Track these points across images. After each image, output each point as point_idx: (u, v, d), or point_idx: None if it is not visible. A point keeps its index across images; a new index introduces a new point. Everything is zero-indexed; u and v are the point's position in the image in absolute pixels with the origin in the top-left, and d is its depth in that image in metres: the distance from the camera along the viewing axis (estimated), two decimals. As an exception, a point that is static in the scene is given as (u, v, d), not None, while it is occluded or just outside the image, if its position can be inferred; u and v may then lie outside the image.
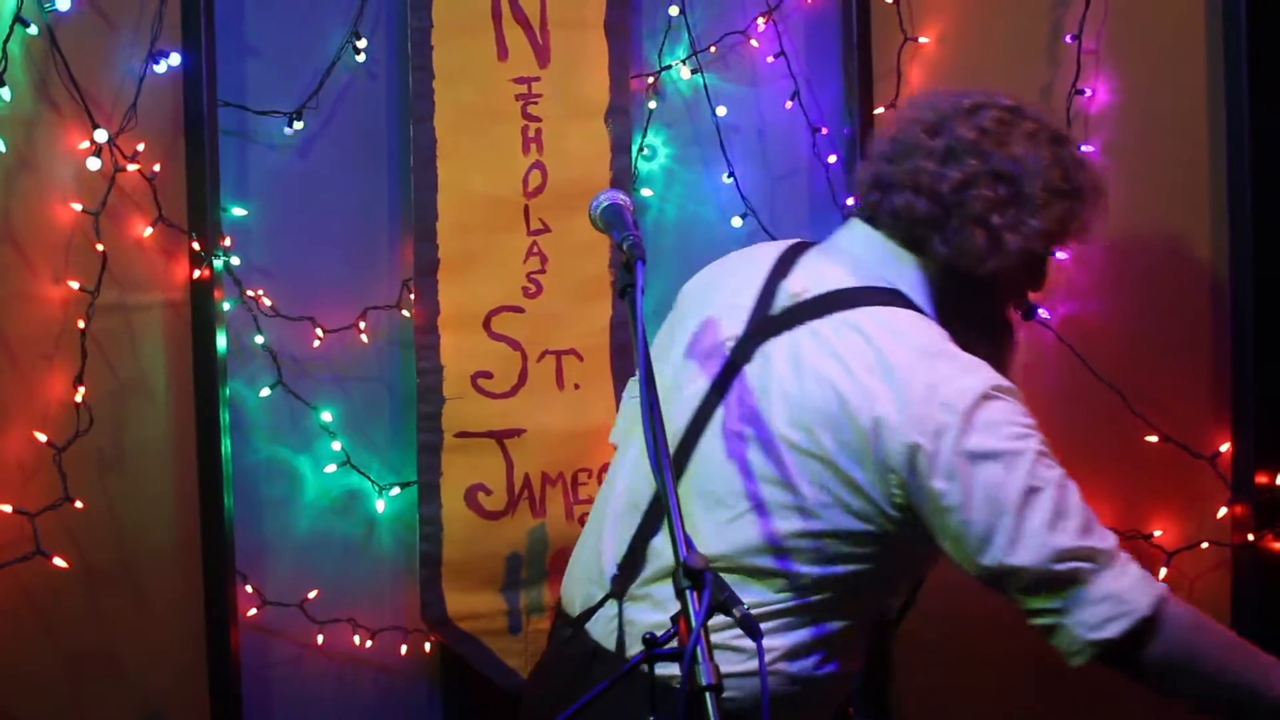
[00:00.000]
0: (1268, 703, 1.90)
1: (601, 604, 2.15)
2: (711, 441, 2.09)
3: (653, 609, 2.07)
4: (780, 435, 2.01)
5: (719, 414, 2.10)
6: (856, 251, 2.16)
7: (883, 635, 2.35)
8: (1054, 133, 2.14)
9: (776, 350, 2.07)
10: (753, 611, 1.94)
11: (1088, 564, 1.88)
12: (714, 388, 2.12)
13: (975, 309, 2.14)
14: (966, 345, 2.02)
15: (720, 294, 2.24)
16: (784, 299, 2.12)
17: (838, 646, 2.09)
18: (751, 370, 2.09)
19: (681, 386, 2.16)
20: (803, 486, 1.99)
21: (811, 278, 2.13)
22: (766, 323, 2.11)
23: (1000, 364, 2.06)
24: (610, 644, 2.11)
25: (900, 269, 2.12)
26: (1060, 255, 2.16)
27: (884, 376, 1.95)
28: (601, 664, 2.11)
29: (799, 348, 2.05)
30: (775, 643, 2.02)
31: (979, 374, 1.96)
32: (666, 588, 2.02)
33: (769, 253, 2.25)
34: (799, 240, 2.28)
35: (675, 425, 2.13)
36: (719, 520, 2.04)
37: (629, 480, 2.21)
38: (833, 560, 2.01)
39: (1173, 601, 1.90)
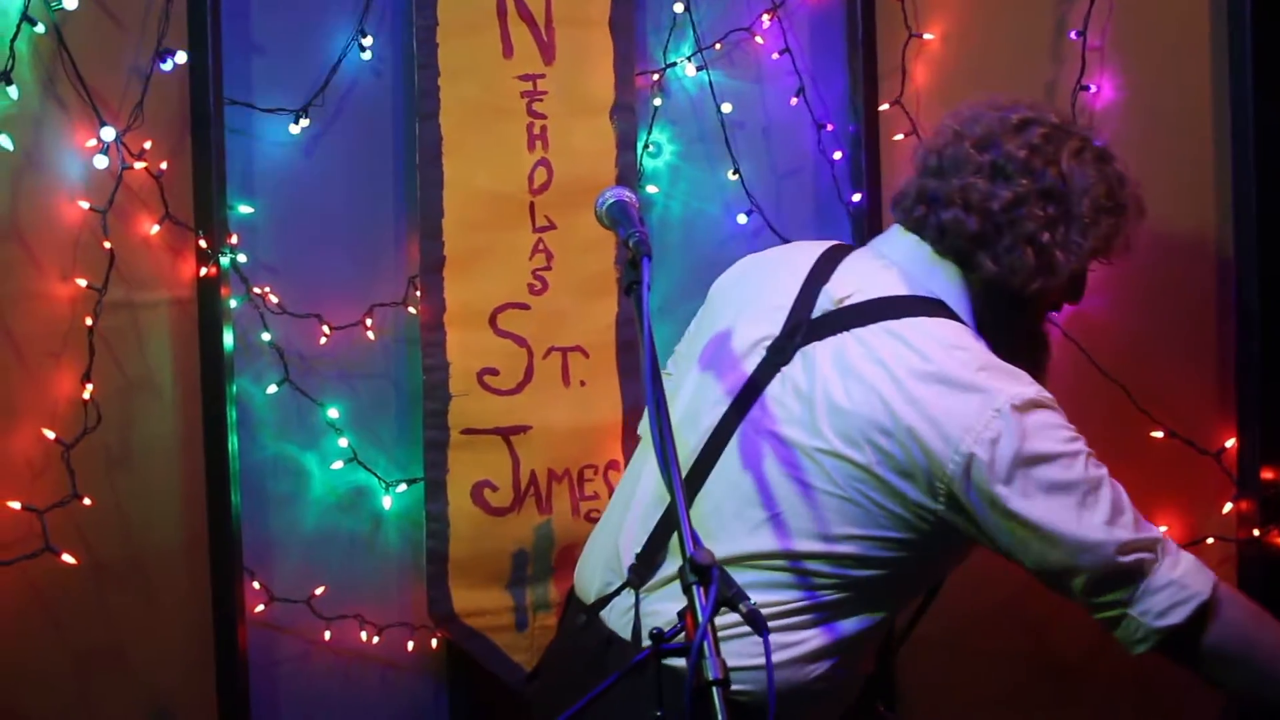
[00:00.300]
0: None
1: (618, 592, 2.16)
2: (745, 442, 2.09)
3: (673, 600, 2.05)
4: (824, 442, 2.02)
5: (753, 414, 2.10)
6: (901, 260, 2.16)
7: (891, 639, 2.35)
8: (1099, 150, 2.16)
9: (820, 355, 2.07)
10: (779, 610, 2.00)
11: (1148, 554, 1.94)
12: (748, 388, 2.12)
13: (1015, 322, 2.16)
14: (1006, 357, 2.05)
15: (756, 293, 2.24)
16: (826, 303, 2.13)
17: (857, 647, 2.11)
18: (790, 373, 2.09)
19: (713, 384, 2.16)
20: (843, 493, 2.01)
21: (855, 283, 2.14)
22: (806, 326, 2.11)
23: (1039, 375, 2.09)
24: (626, 634, 2.12)
25: (944, 281, 2.13)
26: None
27: (933, 386, 1.97)
28: (616, 653, 2.12)
29: (845, 353, 2.05)
30: (796, 638, 2.04)
31: (1026, 383, 2.00)
32: None
33: (807, 254, 2.25)
34: (837, 243, 2.28)
35: (705, 422, 2.14)
36: (751, 520, 2.05)
37: (658, 473, 2.16)
38: (862, 564, 2.03)
39: (1225, 586, 1.97)
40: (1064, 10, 2.95)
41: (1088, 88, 2.90)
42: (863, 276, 2.15)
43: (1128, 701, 2.94)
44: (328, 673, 3.15)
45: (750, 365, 2.13)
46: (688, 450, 2.14)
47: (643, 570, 2.13)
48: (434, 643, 3.20)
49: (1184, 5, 2.83)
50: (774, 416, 2.08)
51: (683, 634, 1.66)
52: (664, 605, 2.07)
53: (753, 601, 1.63)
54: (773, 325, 2.14)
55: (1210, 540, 2.82)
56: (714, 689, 1.54)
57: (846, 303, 2.10)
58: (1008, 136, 2.13)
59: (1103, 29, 2.90)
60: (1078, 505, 1.93)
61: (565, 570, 3.06)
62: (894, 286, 2.11)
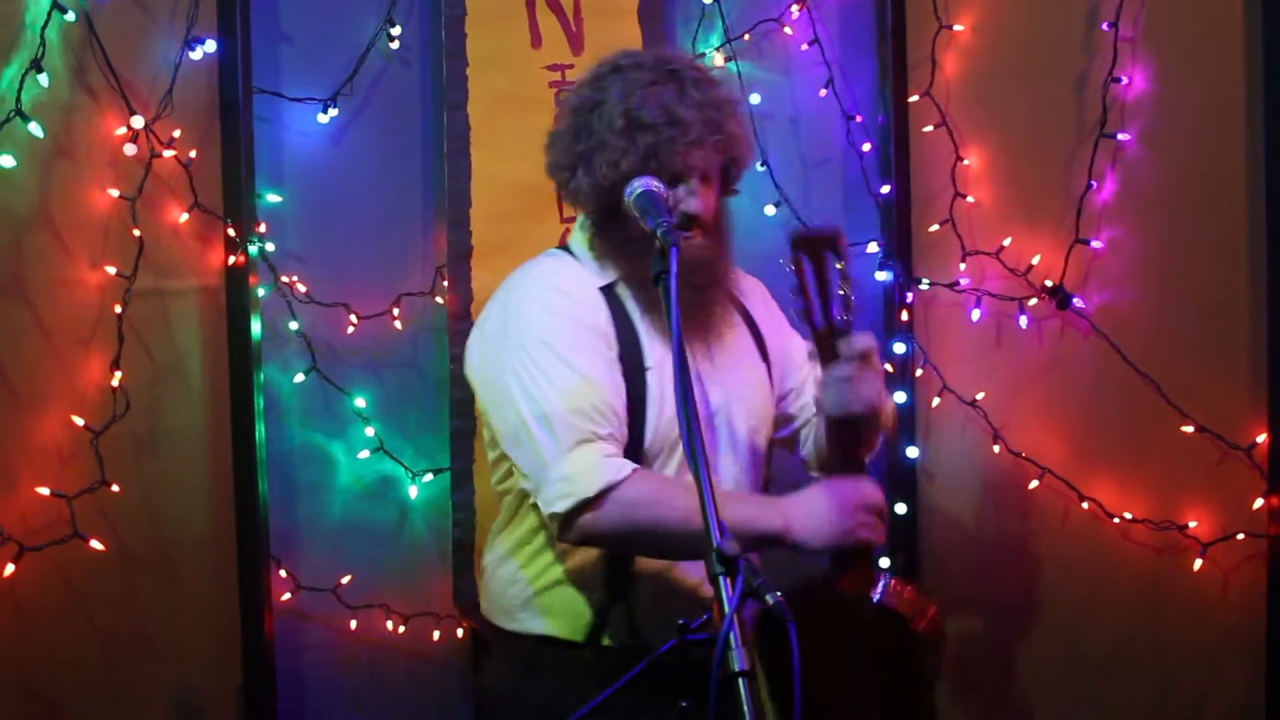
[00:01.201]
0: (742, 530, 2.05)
1: None
2: None
3: None
4: None
5: None
6: None
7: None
8: (641, 76, 2.27)
9: None
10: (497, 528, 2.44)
11: (552, 445, 2.13)
12: None
13: (604, 230, 2.31)
14: (626, 258, 2.26)
15: None
16: None
17: (531, 544, 2.34)
18: None
19: None
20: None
21: None
22: None
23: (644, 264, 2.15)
24: None
25: (577, 229, 2.41)
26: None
27: None
28: None
29: None
30: (495, 546, 2.43)
31: (524, 274, 2.35)
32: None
33: None
34: None
35: None
36: None
37: None
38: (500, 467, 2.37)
39: (629, 484, 2.10)
40: (1095, 1, 2.93)
41: (1119, 79, 2.88)
42: None
43: (1154, 698, 2.93)
44: (354, 661, 3.15)
45: None
46: None
47: None
48: (460, 632, 3.20)
49: (1217, -4, 2.81)
50: None
51: (708, 624, 1.66)
52: None
53: (779, 594, 1.63)
54: None
55: (1241, 536, 2.80)
56: (740, 680, 1.54)
57: None
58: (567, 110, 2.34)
59: (1135, 20, 2.87)
60: (504, 385, 2.20)
61: (591, 561, 3.05)
62: None
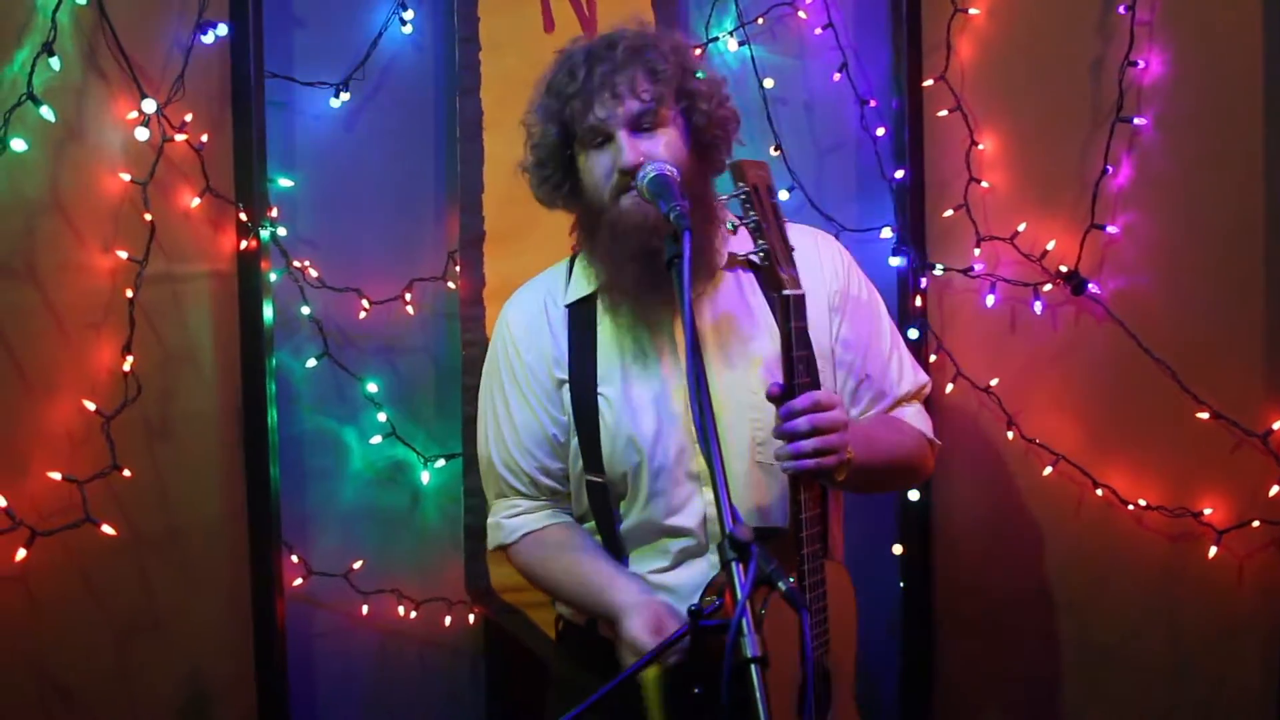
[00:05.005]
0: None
1: None
2: None
3: None
4: None
5: None
6: None
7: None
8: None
9: None
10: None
11: (488, 492, 2.41)
12: None
13: (588, 232, 2.30)
14: (600, 263, 2.25)
15: None
16: None
17: None
18: None
19: None
20: None
21: None
22: None
23: (619, 269, 2.21)
24: None
25: None
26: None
27: None
28: None
29: None
30: None
31: (509, 300, 2.43)
32: None
33: None
34: None
35: None
36: None
37: None
38: None
39: (517, 548, 2.34)
40: (1112, -16, 2.91)
41: (1136, 63, 2.86)
42: None
43: (1168, 686, 2.91)
44: (365, 647, 3.16)
45: None
46: None
47: None
48: (471, 618, 3.20)
49: (1235, -21, 2.78)
50: None
51: (719, 611, 1.65)
52: None
53: (791, 579, 1.62)
54: None
55: (1256, 523, 2.78)
56: (752, 666, 1.53)
57: None
58: None
59: (1152, 3, 2.85)
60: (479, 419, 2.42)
61: (603, 547, 3.04)
62: None
